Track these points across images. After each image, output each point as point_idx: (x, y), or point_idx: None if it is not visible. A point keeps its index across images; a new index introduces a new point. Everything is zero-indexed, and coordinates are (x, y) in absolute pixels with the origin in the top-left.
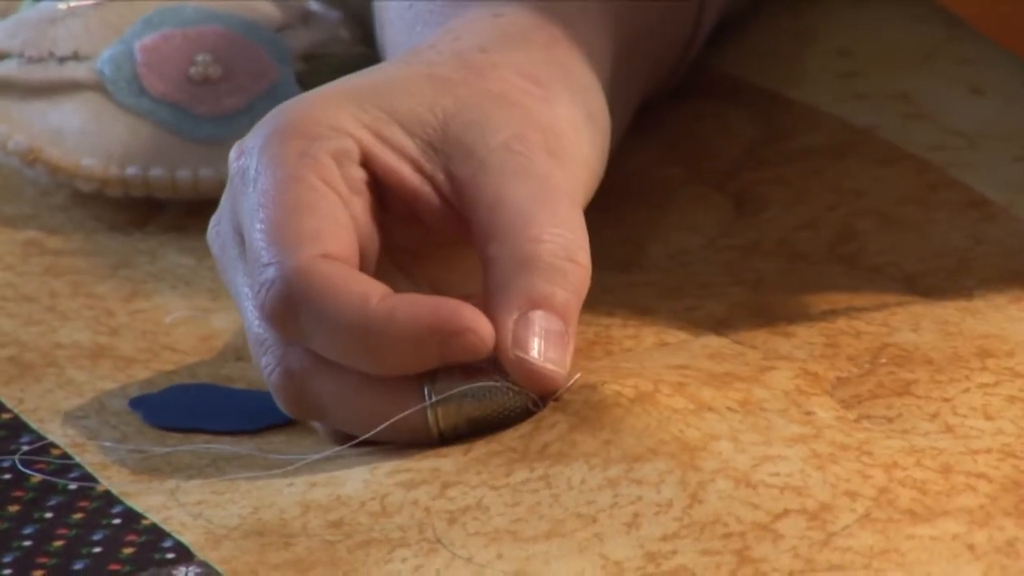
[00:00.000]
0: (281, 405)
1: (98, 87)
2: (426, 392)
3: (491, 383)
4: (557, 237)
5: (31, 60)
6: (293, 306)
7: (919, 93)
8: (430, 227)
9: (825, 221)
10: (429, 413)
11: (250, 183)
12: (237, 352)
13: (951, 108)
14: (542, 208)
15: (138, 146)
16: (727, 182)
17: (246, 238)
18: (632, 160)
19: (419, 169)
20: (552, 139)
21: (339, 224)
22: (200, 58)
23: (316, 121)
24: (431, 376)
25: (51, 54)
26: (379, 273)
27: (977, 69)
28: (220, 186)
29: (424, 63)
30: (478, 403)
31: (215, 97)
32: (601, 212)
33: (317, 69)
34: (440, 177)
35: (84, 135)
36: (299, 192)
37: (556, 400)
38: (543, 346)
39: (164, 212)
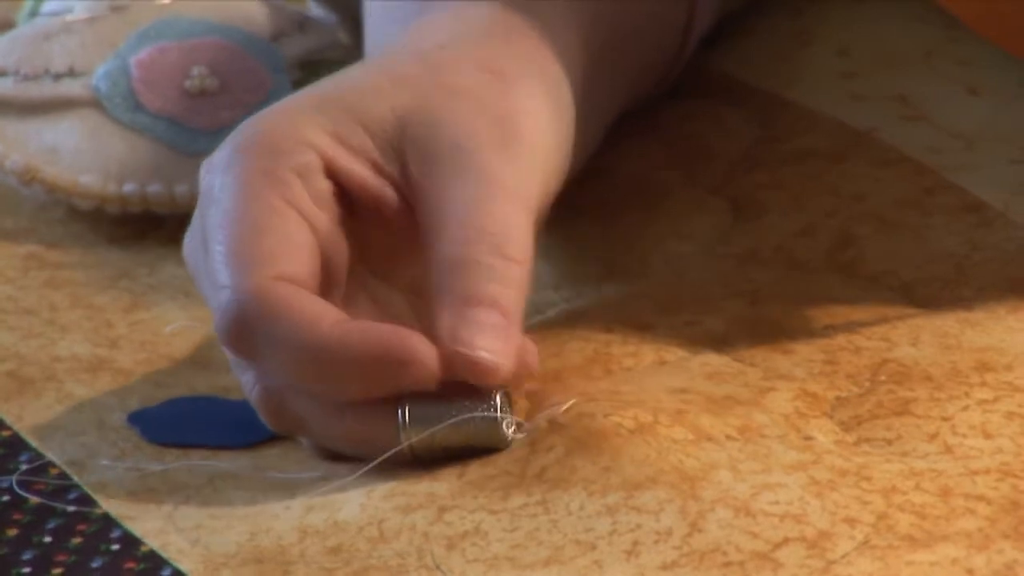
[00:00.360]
0: (264, 421)
1: (94, 103)
2: (400, 415)
3: (465, 409)
4: (490, 237)
5: (26, 78)
6: (248, 329)
7: (917, 94)
8: (398, 229)
9: (823, 227)
10: (402, 435)
11: (213, 202)
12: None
13: (949, 109)
14: (479, 207)
15: (135, 162)
16: (724, 186)
17: (207, 258)
18: (628, 162)
19: (380, 171)
20: (507, 130)
21: (297, 245)
22: (196, 71)
23: (280, 135)
24: (408, 396)
25: (46, 71)
26: (355, 281)
27: (975, 70)
28: None
29: (386, 63)
30: (451, 429)
31: (212, 110)
32: (598, 217)
33: (314, 76)
34: (398, 178)
35: (81, 152)
36: (257, 212)
37: (550, 423)
38: (479, 338)
39: (163, 226)
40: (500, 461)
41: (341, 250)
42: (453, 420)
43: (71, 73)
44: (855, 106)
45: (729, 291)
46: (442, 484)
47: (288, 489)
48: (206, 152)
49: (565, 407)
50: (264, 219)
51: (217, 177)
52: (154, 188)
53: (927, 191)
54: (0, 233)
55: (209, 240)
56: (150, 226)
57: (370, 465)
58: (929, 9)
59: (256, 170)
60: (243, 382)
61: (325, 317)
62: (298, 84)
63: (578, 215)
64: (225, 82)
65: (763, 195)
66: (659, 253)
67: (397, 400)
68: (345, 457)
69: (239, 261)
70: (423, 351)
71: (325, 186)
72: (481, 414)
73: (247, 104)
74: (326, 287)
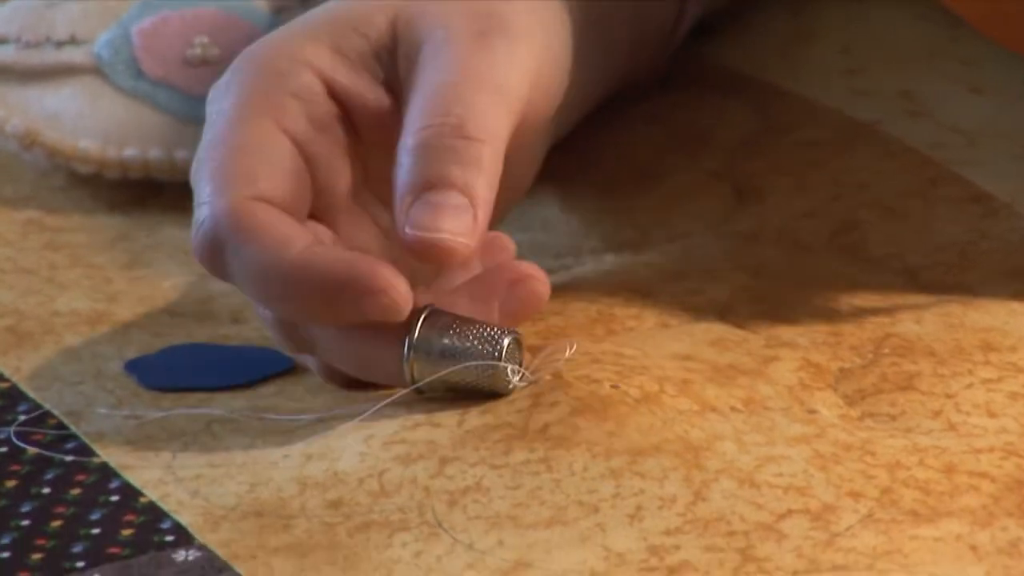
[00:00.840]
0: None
1: (95, 71)
2: (405, 345)
3: (470, 353)
4: (451, 118)
5: (28, 45)
6: (219, 247)
7: (920, 91)
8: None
9: (826, 211)
10: (405, 367)
11: (210, 124)
12: (234, 314)
13: (951, 106)
14: (444, 92)
15: (136, 128)
16: (727, 171)
17: (195, 176)
18: (631, 147)
19: (379, 80)
20: (490, 22)
21: (281, 168)
22: (198, 40)
23: (279, 57)
24: (417, 323)
25: (48, 38)
26: (359, 205)
27: (978, 69)
28: None
29: None
30: (453, 368)
31: (213, 79)
32: (601, 196)
33: None
34: (394, 83)
35: (81, 118)
36: (246, 133)
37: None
38: (438, 219)
39: (162, 193)
40: (501, 410)
41: (341, 173)
42: (456, 368)
43: (73, 41)
44: (858, 100)
45: (732, 265)
46: (443, 432)
47: (286, 433)
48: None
49: (570, 351)
50: (251, 141)
51: (216, 101)
52: (155, 154)
53: (931, 181)
54: (0, 200)
55: (199, 159)
56: (150, 193)
57: (369, 412)
58: (932, 8)
59: (252, 93)
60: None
61: (294, 241)
62: None
63: (579, 191)
64: (226, 52)
65: (765, 180)
66: (661, 229)
67: (407, 325)
68: (348, 390)
69: (219, 179)
70: (390, 283)
71: (326, 109)
72: (485, 362)
73: None
74: (324, 210)
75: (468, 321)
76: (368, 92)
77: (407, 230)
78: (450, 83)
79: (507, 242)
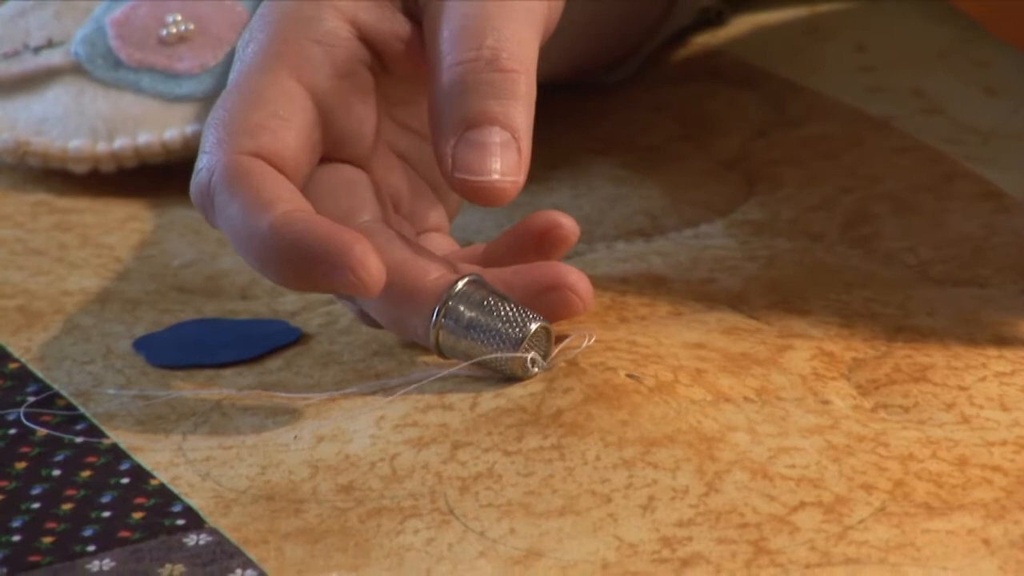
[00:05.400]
0: None
1: (76, 69)
2: (435, 311)
3: (496, 326)
4: (485, 51)
5: (7, 56)
6: (209, 199)
7: (934, 90)
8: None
9: (839, 204)
10: (431, 331)
11: (232, 70)
12: (243, 291)
13: (965, 106)
14: (473, 22)
15: (122, 118)
16: (739, 161)
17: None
18: (642, 134)
19: (397, 5)
20: None
21: (290, 122)
22: (170, 19)
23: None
24: (453, 292)
25: (25, 46)
26: (383, 136)
27: (992, 71)
28: None
29: None
30: (476, 342)
31: (193, 54)
32: (613, 183)
33: None
34: (413, 8)
35: (68, 118)
36: (261, 83)
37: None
38: (483, 160)
39: (172, 177)
40: (514, 394)
41: (366, 119)
42: (479, 359)
43: (50, 44)
44: (872, 97)
45: (745, 255)
46: (454, 415)
47: (297, 412)
48: (191, 95)
49: (587, 343)
50: (264, 92)
51: (241, 47)
52: (144, 138)
53: (945, 177)
54: (9, 183)
55: (215, 105)
56: (160, 178)
57: (388, 399)
58: (946, 10)
59: (274, 41)
60: None
61: (277, 204)
62: None
63: (591, 179)
64: (202, 25)
65: (778, 171)
66: (676, 219)
67: (443, 291)
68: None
69: (223, 130)
70: (360, 261)
71: (351, 53)
72: (509, 355)
73: (229, 41)
74: (353, 157)
75: (502, 299)
76: (393, 25)
77: (455, 174)
78: (477, 12)
79: (568, 231)
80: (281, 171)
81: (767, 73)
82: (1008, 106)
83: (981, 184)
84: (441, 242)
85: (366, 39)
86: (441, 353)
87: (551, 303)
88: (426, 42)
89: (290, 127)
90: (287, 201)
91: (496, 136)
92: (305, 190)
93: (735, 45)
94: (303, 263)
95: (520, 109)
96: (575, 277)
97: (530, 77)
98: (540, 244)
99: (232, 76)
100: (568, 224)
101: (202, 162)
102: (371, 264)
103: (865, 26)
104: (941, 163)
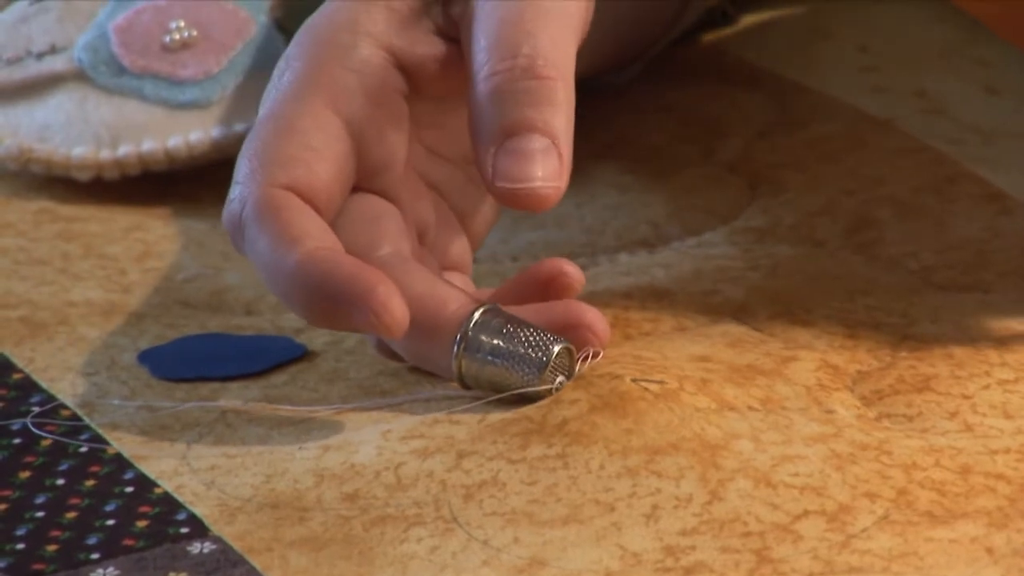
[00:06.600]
0: None
1: (79, 76)
2: (456, 340)
3: (519, 351)
4: (521, 59)
5: (10, 62)
6: (239, 231)
7: (936, 90)
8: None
9: (842, 208)
10: (453, 363)
11: (267, 96)
12: (247, 306)
13: (967, 106)
14: (508, 31)
15: (126, 125)
16: (742, 164)
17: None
18: (645, 135)
19: (431, 27)
20: None
21: (323, 153)
22: (174, 25)
23: (340, 28)
24: (471, 322)
25: (28, 52)
26: (413, 172)
27: (994, 70)
28: (213, 149)
29: None
30: (501, 368)
31: (196, 60)
32: (615, 191)
33: (296, 10)
34: (448, 27)
35: (71, 125)
36: (296, 112)
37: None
38: (525, 167)
39: (178, 184)
40: (520, 406)
41: (397, 147)
42: (504, 395)
43: (53, 50)
44: (874, 97)
45: (747, 264)
46: (461, 428)
47: (302, 424)
48: (194, 102)
49: (594, 360)
50: (298, 122)
51: (277, 75)
52: (148, 146)
53: (948, 179)
54: (12, 190)
55: (251, 133)
56: (165, 186)
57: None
58: (949, 10)
59: (310, 69)
60: None
61: (305, 241)
62: (280, 21)
63: (593, 185)
64: (205, 32)
65: (780, 174)
66: (675, 225)
67: (463, 321)
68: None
69: (256, 161)
70: (384, 304)
71: (385, 80)
72: (533, 388)
73: (230, 48)
74: (380, 185)
75: (522, 324)
76: (427, 47)
77: (497, 183)
78: (512, 18)
79: (573, 279)
80: (313, 204)
81: (769, 72)
82: (1010, 105)
83: (983, 186)
84: (461, 283)
85: (400, 65)
86: (464, 384)
87: (569, 341)
88: (463, 53)
89: (324, 159)
90: (315, 238)
91: (536, 143)
92: (333, 221)
93: (737, 45)
94: (328, 303)
95: (559, 115)
96: (592, 316)
97: (568, 82)
98: (545, 292)
99: (267, 104)
100: (573, 272)
101: (234, 192)
102: (395, 307)
103: (867, 26)
104: (943, 164)
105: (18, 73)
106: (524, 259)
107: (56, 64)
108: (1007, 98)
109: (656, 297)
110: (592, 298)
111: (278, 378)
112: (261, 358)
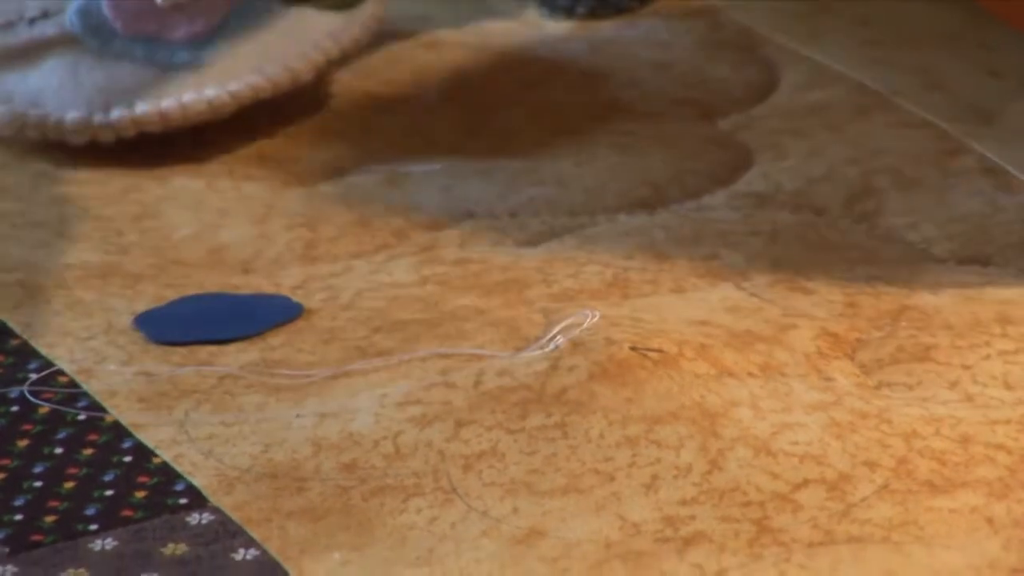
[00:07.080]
0: None
1: (71, 41)
2: None
3: None
4: None
5: (2, 28)
6: None
7: (937, 69)
8: None
9: (842, 176)
10: None
11: None
12: (244, 264)
13: (969, 86)
14: None
15: (119, 88)
16: (744, 128)
17: None
18: (646, 99)
19: None
20: None
21: None
22: None
23: None
24: None
25: (20, 18)
26: None
27: (997, 54)
28: (207, 109)
29: None
30: None
31: (187, 21)
32: (616, 151)
33: None
34: None
35: (63, 90)
36: None
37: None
38: None
39: (172, 145)
40: (518, 372)
41: None
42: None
43: (44, 15)
44: (875, 69)
45: (748, 229)
46: (458, 393)
47: (300, 389)
48: (187, 63)
49: (589, 322)
50: None
51: None
52: (142, 108)
53: (948, 153)
54: (9, 154)
55: None
56: (162, 147)
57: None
58: None
59: None
60: None
61: None
62: None
63: (594, 146)
64: None
65: (781, 140)
66: (679, 190)
67: None
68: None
69: None
70: None
71: None
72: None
73: (222, 9)
74: None
75: None
76: None
77: None
78: None
79: None
80: None
81: (770, 40)
82: (1011, 88)
83: (985, 161)
84: None
85: None
86: None
87: None
88: None
89: None
90: None
91: None
92: None
93: (739, 14)
94: None
95: None
96: None
97: None
98: None
99: None
100: None
101: None
102: None
103: (868, 4)
104: (945, 140)
105: (10, 39)
106: (522, 215)
107: (48, 29)
108: (1008, 80)
109: (656, 259)
110: (591, 257)
111: (275, 339)
112: (258, 319)
